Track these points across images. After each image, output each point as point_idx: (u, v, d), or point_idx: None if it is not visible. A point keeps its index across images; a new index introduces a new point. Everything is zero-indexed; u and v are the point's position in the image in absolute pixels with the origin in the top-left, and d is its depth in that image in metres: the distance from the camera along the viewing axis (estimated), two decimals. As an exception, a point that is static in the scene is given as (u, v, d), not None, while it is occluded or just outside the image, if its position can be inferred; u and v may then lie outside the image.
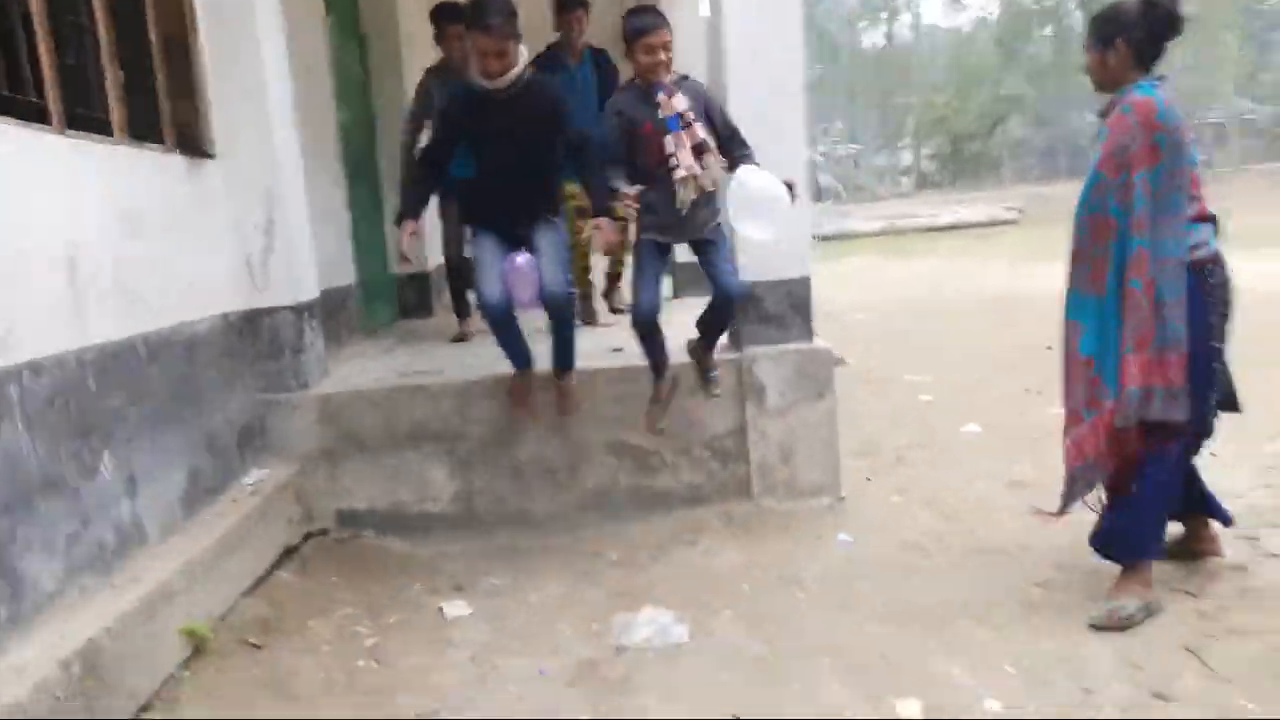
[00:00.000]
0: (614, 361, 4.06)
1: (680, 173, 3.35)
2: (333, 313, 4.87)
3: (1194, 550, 3.13)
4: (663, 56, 3.33)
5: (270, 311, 3.91)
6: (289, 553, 3.65)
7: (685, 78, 3.50)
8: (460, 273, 5.10)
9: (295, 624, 3.17)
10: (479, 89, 3.41)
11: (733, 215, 3.29)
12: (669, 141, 3.35)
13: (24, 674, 2.11)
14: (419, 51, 6.35)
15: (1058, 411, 3.12)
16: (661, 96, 3.35)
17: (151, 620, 2.57)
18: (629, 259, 4.21)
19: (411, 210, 3.54)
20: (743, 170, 3.29)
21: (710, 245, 3.57)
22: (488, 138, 3.49)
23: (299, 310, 3.98)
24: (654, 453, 3.94)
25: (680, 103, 3.36)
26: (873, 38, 47.32)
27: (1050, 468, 3.36)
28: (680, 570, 3.51)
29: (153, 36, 3.49)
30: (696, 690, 2.67)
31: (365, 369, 4.41)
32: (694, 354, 3.78)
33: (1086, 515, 3.05)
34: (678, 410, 3.84)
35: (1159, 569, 2.95)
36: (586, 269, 5.17)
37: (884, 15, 45.40)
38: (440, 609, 3.34)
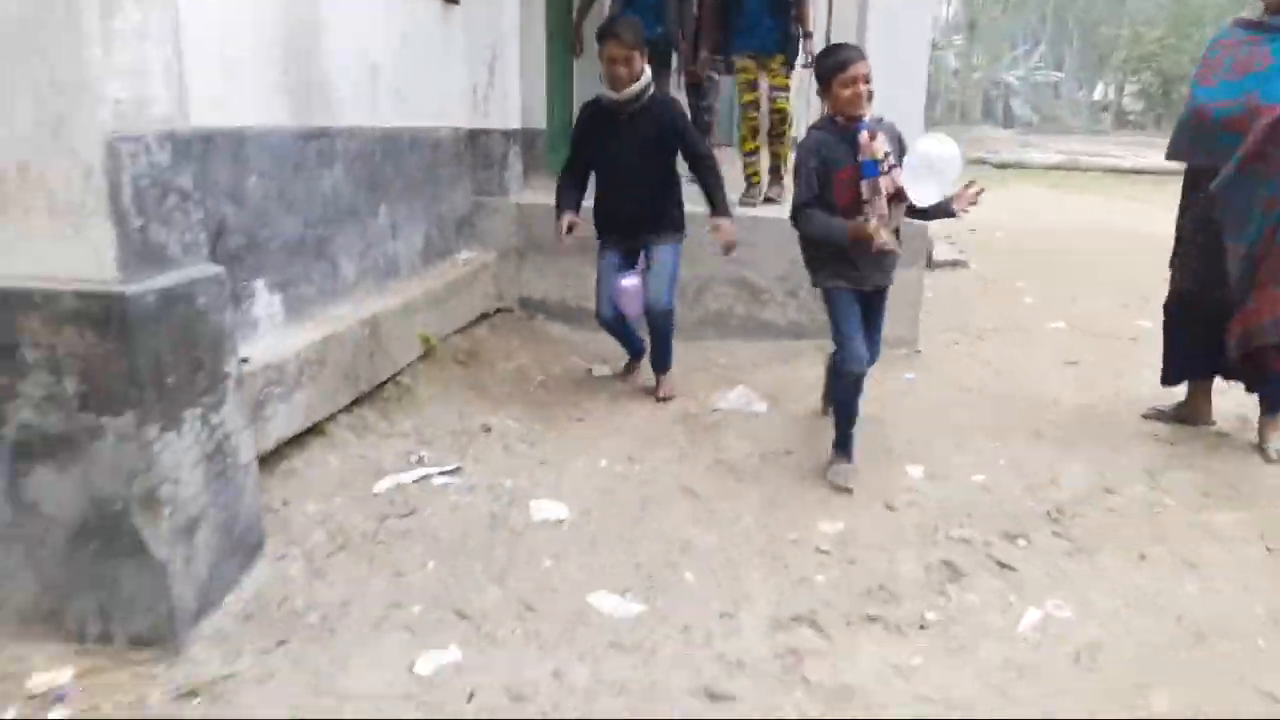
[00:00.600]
0: (744, 212, 4.97)
1: (874, 221, 3.10)
2: (527, 147, 5.96)
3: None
4: (863, 89, 3.05)
5: (486, 132, 5.02)
6: (483, 317, 4.85)
7: (881, 119, 3.21)
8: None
9: (488, 359, 4.38)
10: (606, 102, 3.80)
11: (908, 179, 3.11)
12: (865, 187, 3.12)
13: (341, 321, 3.34)
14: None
15: (1143, 323, 3.84)
16: (863, 137, 3.07)
17: (406, 319, 3.80)
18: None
19: (567, 205, 3.92)
20: (921, 140, 3.12)
21: (882, 296, 3.43)
22: (610, 151, 3.85)
23: (507, 135, 5.08)
24: (766, 290, 4.89)
25: (880, 146, 3.09)
26: (1087, -43, 44.08)
27: (1108, 357, 4.11)
28: (772, 376, 4.49)
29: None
30: (764, 435, 3.69)
31: (549, 192, 5.49)
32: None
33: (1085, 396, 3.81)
34: (790, 257, 4.74)
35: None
36: (755, 130, 5.40)
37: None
38: (589, 369, 4.47)
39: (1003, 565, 2.75)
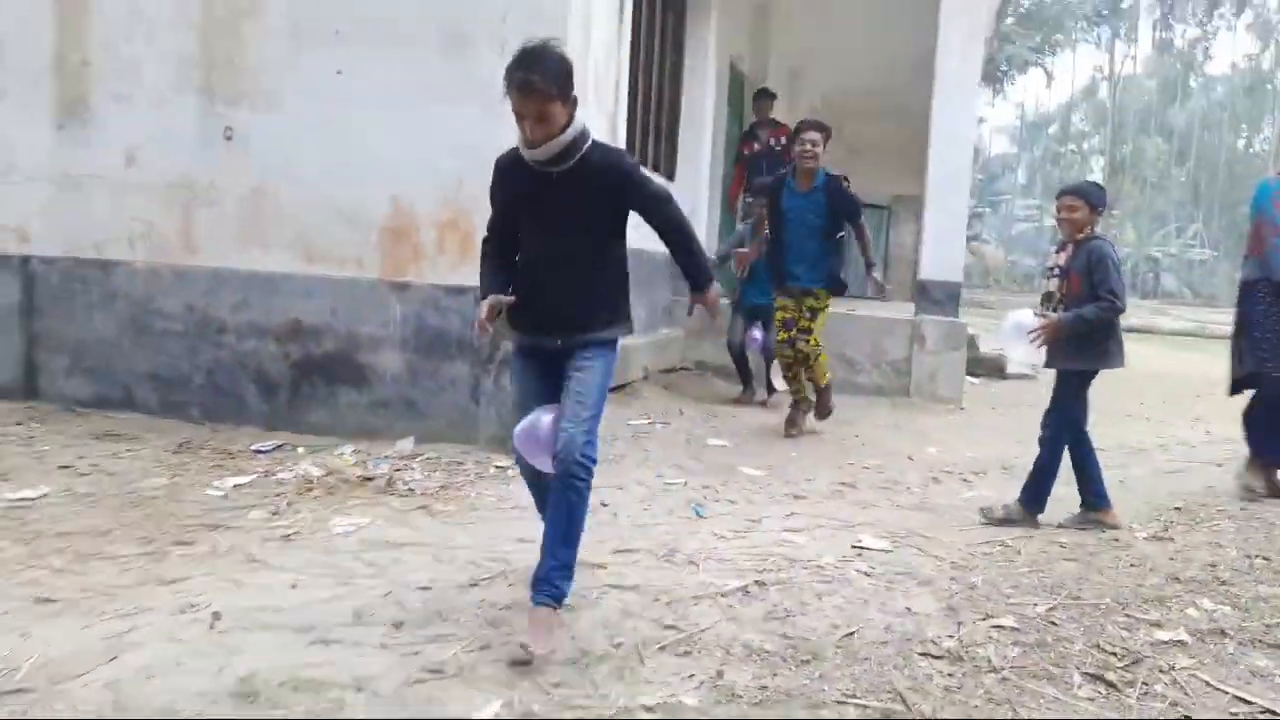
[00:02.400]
0: (853, 310, 7.61)
1: None
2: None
3: None
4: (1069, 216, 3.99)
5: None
6: (672, 370, 7.59)
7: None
8: (742, 355, 7.15)
9: (677, 387, 7.09)
10: (524, 160, 2.69)
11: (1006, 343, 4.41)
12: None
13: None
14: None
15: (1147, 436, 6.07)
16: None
17: (634, 355, 6.60)
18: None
19: (490, 287, 2.83)
20: (1015, 314, 4.22)
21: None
22: (531, 218, 2.79)
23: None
24: (859, 362, 7.44)
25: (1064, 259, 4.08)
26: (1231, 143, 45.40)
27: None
28: (858, 416, 6.97)
29: (665, 129, 7.66)
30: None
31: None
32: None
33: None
34: (877, 343, 7.31)
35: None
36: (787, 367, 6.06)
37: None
38: (732, 399, 7.11)
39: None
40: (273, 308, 5.25)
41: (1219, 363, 5.08)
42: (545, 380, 2.85)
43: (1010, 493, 4.34)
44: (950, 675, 2.50)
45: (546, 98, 2.54)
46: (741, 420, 6.50)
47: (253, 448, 4.86)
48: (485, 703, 2.27)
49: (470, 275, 4.92)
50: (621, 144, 6.56)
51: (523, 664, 2.45)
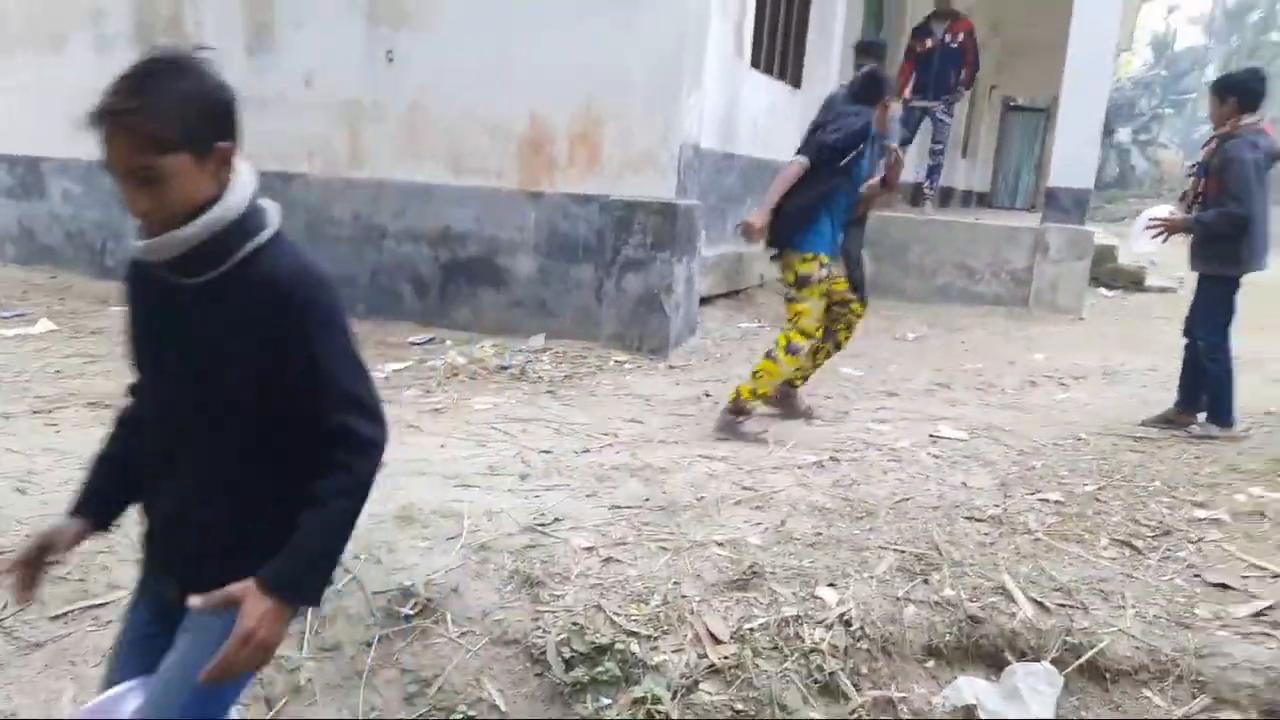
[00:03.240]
0: (978, 218, 7.63)
1: None
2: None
3: None
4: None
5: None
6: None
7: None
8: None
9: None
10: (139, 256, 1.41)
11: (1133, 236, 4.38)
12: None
13: (724, 251, 6.54)
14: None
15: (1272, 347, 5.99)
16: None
17: (753, 261, 6.96)
18: None
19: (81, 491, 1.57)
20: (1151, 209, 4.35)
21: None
22: (151, 365, 1.51)
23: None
24: (979, 271, 7.50)
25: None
26: None
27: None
28: (972, 324, 7.10)
29: (794, 33, 7.77)
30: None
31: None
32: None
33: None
34: (998, 252, 7.34)
35: None
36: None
37: None
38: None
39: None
40: (426, 215, 5.93)
41: None
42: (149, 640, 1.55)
43: (1106, 397, 4.52)
44: (986, 534, 2.87)
45: (154, 146, 1.28)
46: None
47: (409, 340, 5.61)
48: (584, 538, 2.83)
49: (596, 185, 5.49)
50: (748, 55, 6.81)
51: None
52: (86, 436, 3.20)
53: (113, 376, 4.29)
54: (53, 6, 6.91)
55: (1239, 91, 3.91)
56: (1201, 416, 4.10)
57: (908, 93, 8.04)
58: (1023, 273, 7.33)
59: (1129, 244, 4.78)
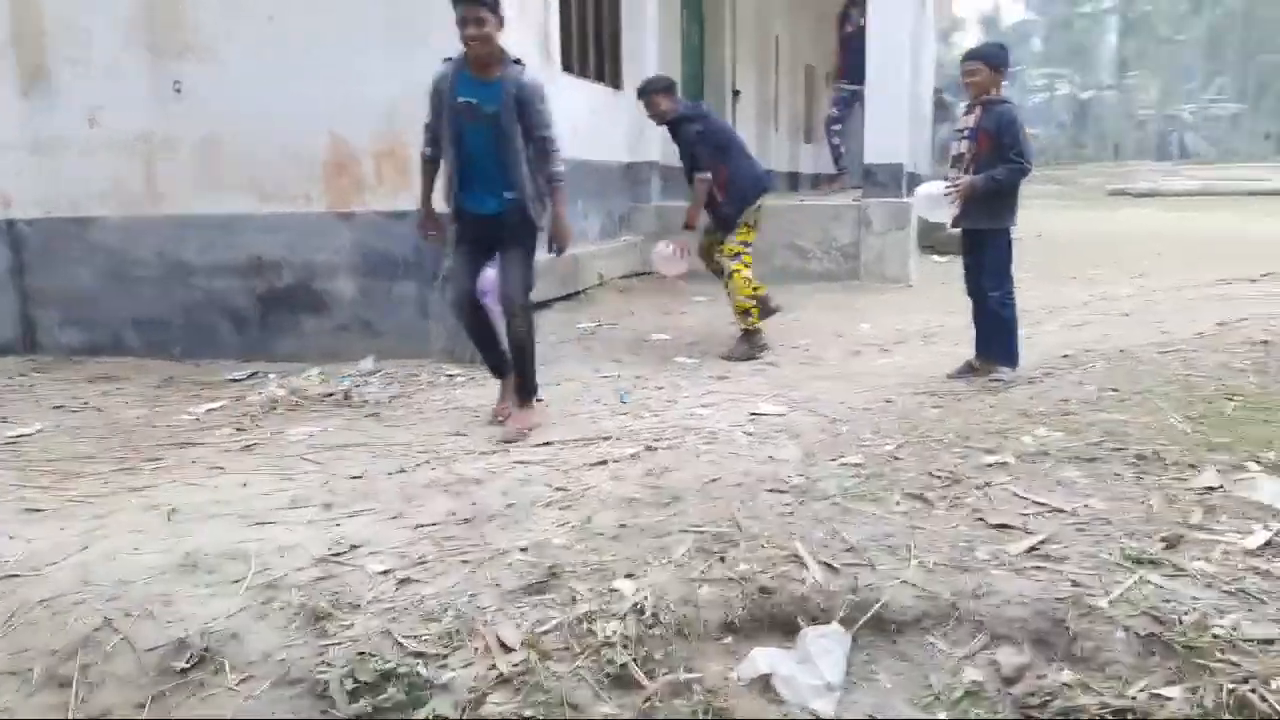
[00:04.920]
0: (803, 200, 7.85)
1: None
2: (663, 174, 9.09)
3: None
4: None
5: (635, 164, 8.18)
6: (633, 275, 7.93)
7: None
8: None
9: (633, 291, 7.45)
10: None
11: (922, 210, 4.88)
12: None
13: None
14: (741, 33, 10.34)
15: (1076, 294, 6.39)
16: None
17: (589, 262, 6.94)
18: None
19: None
20: (924, 186, 4.73)
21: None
22: None
23: (650, 164, 8.22)
24: (809, 250, 7.72)
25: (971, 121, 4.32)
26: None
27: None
28: (804, 301, 7.29)
29: (606, 35, 7.80)
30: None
31: (678, 199, 8.60)
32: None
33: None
34: (826, 230, 7.57)
35: None
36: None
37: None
38: (692, 297, 7.46)
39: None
40: (235, 246, 5.65)
41: (1205, 220, 5.26)
42: None
43: (921, 357, 4.69)
44: (787, 505, 2.91)
45: None
46: (693, 315, 6.88)
47: (228, 377, 5.33)
48: (380, 562, 2.72)
49: (409, 200, 5.34)
50: (557, 59, 6.79)
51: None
52: None
53: None
54: None
55: (996, 60, 4.33)
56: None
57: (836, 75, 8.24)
58: (850, 247, 7.59)
59: (924, 216, 4.99)
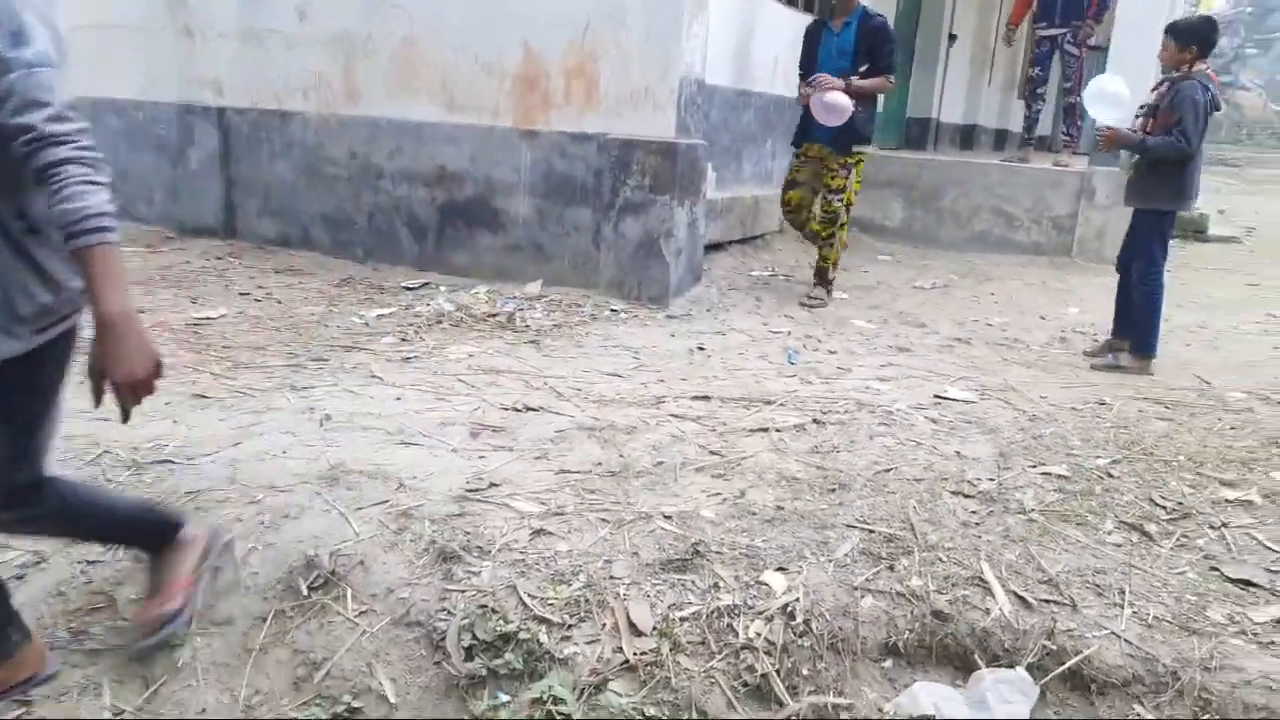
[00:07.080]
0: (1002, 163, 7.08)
1: None
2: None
3: None
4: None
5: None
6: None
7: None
8: None
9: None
10: None
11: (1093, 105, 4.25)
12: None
13: (739, 194, 6.13)
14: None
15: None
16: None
17: (770, 205, 6.53)
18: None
19: None
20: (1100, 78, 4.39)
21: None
22: None
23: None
24: (1018, 218, 6.98)
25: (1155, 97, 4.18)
26: None
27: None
28: (1015, 271, 6.61)
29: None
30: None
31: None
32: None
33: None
34: (1040, 197, 6.80)
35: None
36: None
37: None
38: (877, 255, 6.92)
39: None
40: (421, 154, 5.63)
41: None
42: None
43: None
44: (974, 514, 2.53)
45: None
46: (873, 274, 6.37)
47: (402, 284, 5.35)
48: (517, 506, 2.56)
49: (594, 123, 5.12)
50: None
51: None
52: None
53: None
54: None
55: (1199, 39, 4.04)
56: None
57: (1030, 19, 7.06)
58: (1066, 219, 6.79)
59: (1089, 108, 4.35)
